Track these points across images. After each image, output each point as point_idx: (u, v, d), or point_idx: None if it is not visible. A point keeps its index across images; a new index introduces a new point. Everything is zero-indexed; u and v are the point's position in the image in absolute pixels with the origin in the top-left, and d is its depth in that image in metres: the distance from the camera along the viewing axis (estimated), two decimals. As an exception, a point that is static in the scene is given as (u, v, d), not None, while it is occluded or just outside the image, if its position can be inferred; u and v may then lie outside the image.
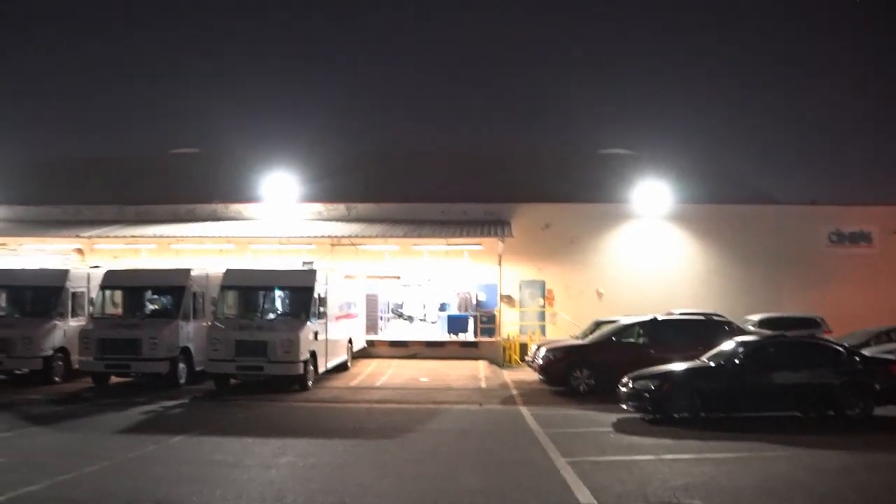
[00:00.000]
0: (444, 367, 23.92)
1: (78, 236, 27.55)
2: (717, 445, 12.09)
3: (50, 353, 19.30)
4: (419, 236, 26.60)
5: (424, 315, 29.48)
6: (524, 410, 15.85)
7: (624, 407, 14.78)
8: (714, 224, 28.32)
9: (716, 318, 20.27)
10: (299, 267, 22.07)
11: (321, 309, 19.65)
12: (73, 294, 20.37)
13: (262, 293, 20.02)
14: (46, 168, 37.57)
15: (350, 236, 26.78)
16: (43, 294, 20.24)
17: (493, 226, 27.07)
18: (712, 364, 14.94)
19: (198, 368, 19.34)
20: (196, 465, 10.54)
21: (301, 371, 18.21)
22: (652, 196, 28.17)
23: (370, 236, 26.76)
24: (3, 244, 28.92)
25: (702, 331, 18.68)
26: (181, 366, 19.09)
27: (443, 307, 28.50)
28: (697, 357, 15.70)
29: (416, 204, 29.03)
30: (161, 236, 27.44)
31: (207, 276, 20.65)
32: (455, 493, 9.06)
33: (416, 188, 30.95)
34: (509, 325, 26.85)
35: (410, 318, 29.41)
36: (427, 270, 28.01)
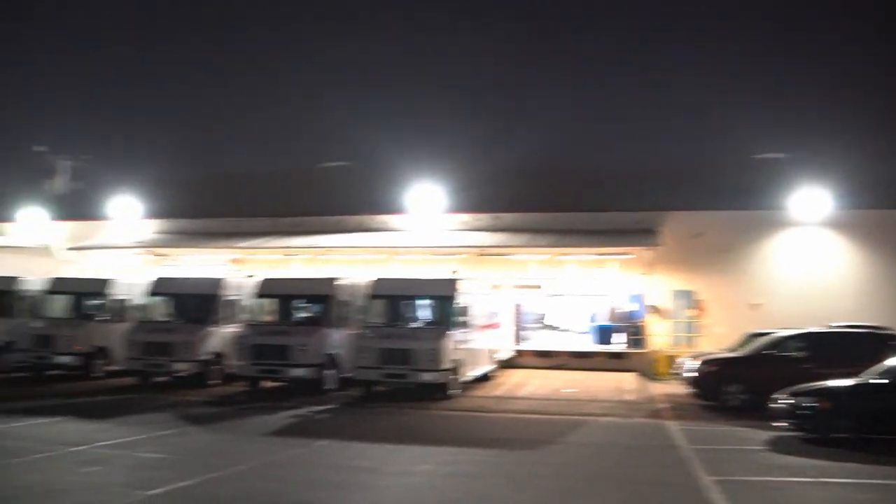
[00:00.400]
0: (590, 378, 23.44)
1: (234, 247, 28.86)
2: (881, 470, 11.17)
3: (207, 357, 20.22)
4: (566, 245, 26.27)
5: (571, 325, 29.06)
6: (671, 425, 15.25)
7: (778, 424, 13.92)
8: (879, 231, 26.40)
9: (881, 331, 18.86)
10: (444, 276, 22.20)
11: (464, 318, 19.66)
12: (228, 301, 21.26)
13: (406, 302, 20.31)
14: (206, 183, 39.52)
15: (496, 246, 26.76)
16: (200, 301, 21.23)
17: (642, 235, 26.34)
18: (878, 381, 13.86)
19: (344, 375, 19.75)
20: (337, 470, 10.70)
21: (444, 380, 18.26)
22: (810, 202, 26.57)
23: (516, 245, 26.66)
24: (165, 255, 30.68)
25: (865, 345, 17.37)
26: (328, 372, 19.53)
27: (591, 317, 28.02)
28: (859, 373, 14.60)
29: (563, 213, 28.62)
30: (312, 247, 28.35)
31: (355, 286, 21.09)
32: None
33: (562, 198, 30.54)
34: (658, 336, 26.04)
35: (556, 328, 29.05)
36: (573, 280, 27.60)
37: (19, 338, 21.47)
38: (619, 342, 26.37)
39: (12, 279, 23.56)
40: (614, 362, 26.01)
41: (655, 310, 26.35)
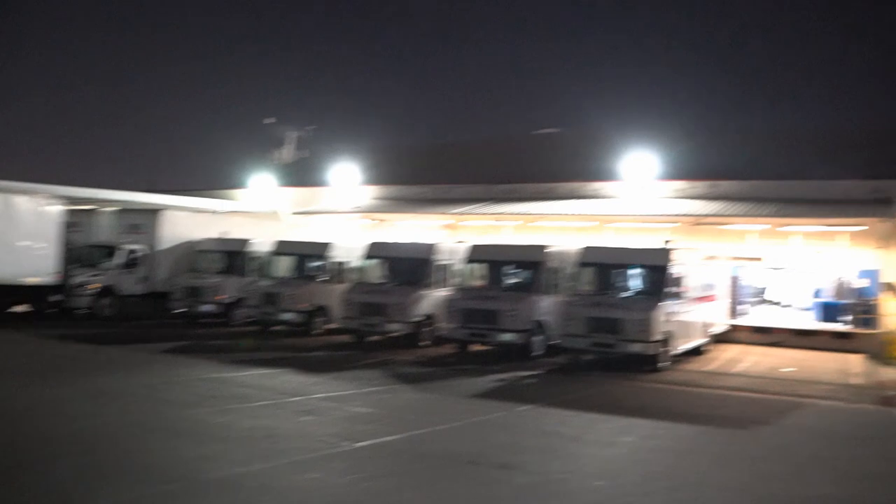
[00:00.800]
0: (811, 357, 21.99)
1: (447, 213, 29.49)
2: None
3: (418, 319, 20.85)
4: (790, 216, 24.65)
5: (792, 301, 27.39)
6: (902, 413, 14.02)
7: None
8: None
9: None
10: (657, 246, 21.53)
11: (677, 289, 19.00)
12: (440, 266, 21.76)
13: (616, 271, 19.87)
14: (421, 150, 40.64)
15: (712, 215, 25.62)
16: (414, 265, 21.89)
17: (876, 205, 24.19)
18: None
19: (552, 342, 19.72)
20: (538, 436, 10.69)
21: (653, 351, 17.76)
22: None
23: (734, 215, 25.35)
24: (381, 220, 31.89)
25: None
26: (536, 338, 19.57)
27: (816, 293, 26.24)
28: None
29: (787, 181, 26.86)
30: (522, 214, 28.42)
31: (565, 253, 20.93)
32: (804, 499, 8.18)
33: (787, 164, 28.69)
34: (893, 316, 23.93)
35: (776, 304, 27.49)
36: (797, 253, 25.90)
37: (249, 295, 23.24)
38: (845, 321, 24.52)
39: (244, 241, 25.47)
40: (839, 342, 24.18)
41: (891, 287, 24.20)
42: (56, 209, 23.63)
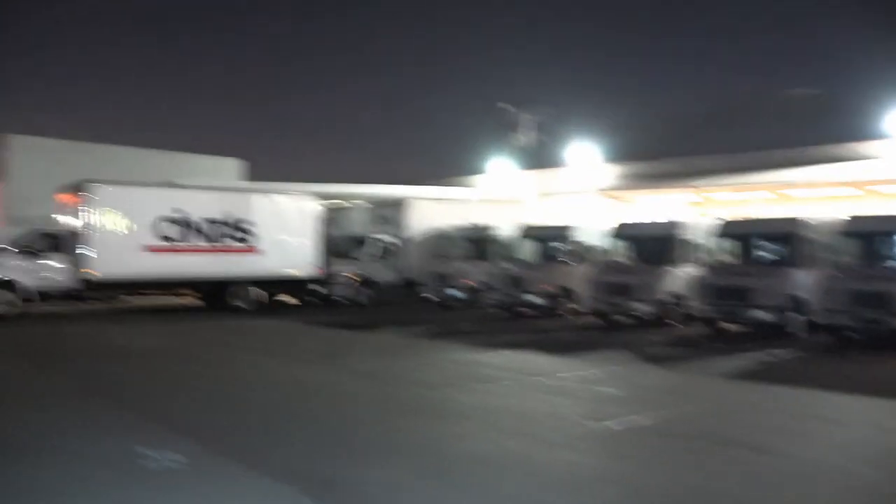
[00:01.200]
0: None
1: (691, 187, 28.54)
2: None
3: (666, 298, 20.35)
4: None
5: None
6: None
7: None
8: None
9: None
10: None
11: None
12: (687, 243, 21.09)
13: (885, 240, 18.29)
14: (663, 124, 39.50)
15: None
16: (659, 243, 21.38)
17: None
18: None
19: (811, 319, 18.51)
20: (795, 418, 10.12)
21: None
22: None
23: None
24: (623, 198, 31.39)
25: None
26: (792, 315, 18.48)
27: None
28: None
29: None
30: (773, 182, 26.90)
31: (823, 224, 19.56)
32: None
33: None
34: None
35: None
36: None
37: (495, 279, 23.81)
38: None
39: (488, 227, 26.11)
40: None
41: None
42: (315, 206, 25.51)
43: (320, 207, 25.80)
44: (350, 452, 8.17)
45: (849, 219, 18.84)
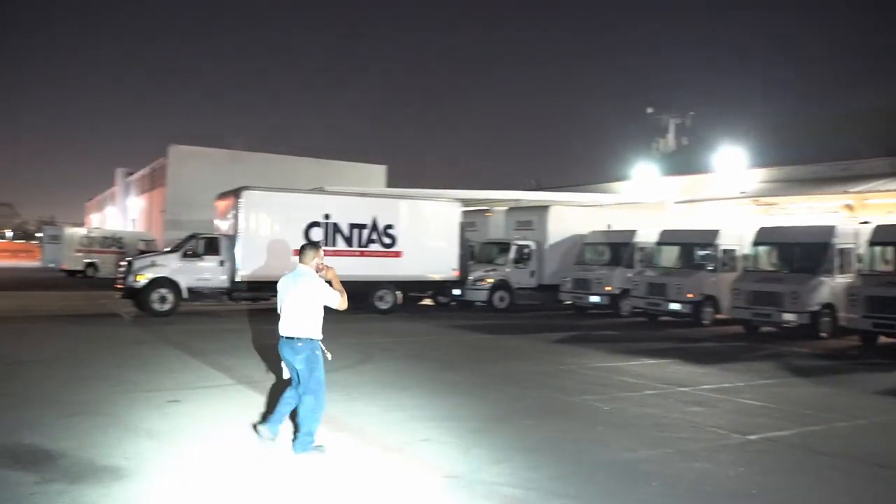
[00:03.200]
0: None
1: (846, 192, 27.18)
2: None
3: (816, 308, 19.49)
4: None
5: None
6: None
7: None
8: None
9: None
10: None
11: None
12: (841, 250, 20.14)
13: None
14: (816, 126, 37.73)
15: None
16: (809, 250, 20.52)
17: None
18: None
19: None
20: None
21: None
22: None
23: None
24: (771, 203, 30.20)
25: None
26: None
27: None
28: None
29: None
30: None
31: None
32: None
33: None
34: None
35: None
36: None
37: (636, 286, 23.48)
38: None
39: (629, 233, 25.76)
40: None
41: None
42: (456, 211, 25.87)
43: (461, 212, 26.13)
44: (479, 453, 8.30)
45: None
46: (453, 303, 27.01)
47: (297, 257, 8.09)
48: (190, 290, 22.36)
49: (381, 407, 10.50)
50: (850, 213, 28.25)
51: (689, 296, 22.17)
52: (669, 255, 24.17)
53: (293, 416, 8.13)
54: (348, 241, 23.99)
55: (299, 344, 7.78)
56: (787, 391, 12.69)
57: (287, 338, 7.83)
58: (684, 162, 40.55)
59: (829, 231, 20.61)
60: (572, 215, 28.70)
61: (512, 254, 26.90)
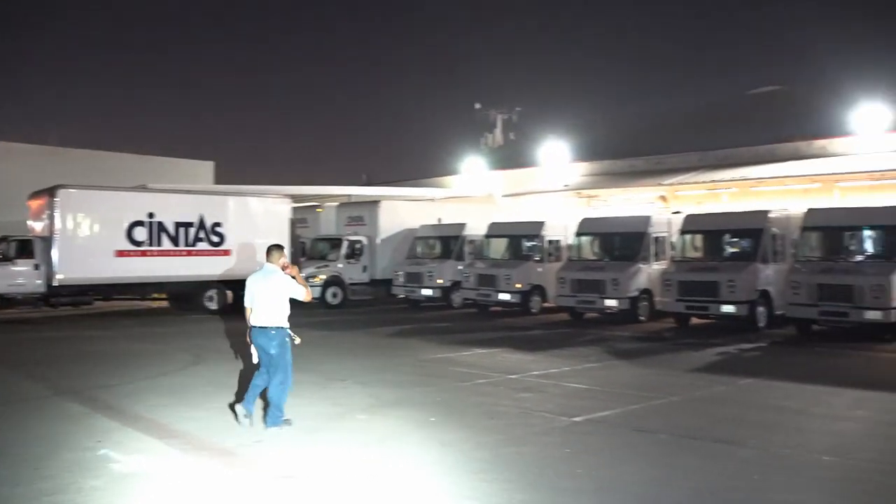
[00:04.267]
0: None
1: (660, 184, 28.84)
2: None
3: (635, 293, 20.57)
4: None
5: None
6: None
7: None
8: None
9: None
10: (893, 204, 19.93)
11: (919, 250, 17.51)
12: (655, 239, 21.33)
13: (847, 234, 18.59)
14: (632, 123, 39.82)
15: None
16: (628, 240, 21.63)
17: None
18: None
19: (777, 312, 18.83)
20: (761, 410, 10.30)
21: (892, 319, 16.49)
22: None
23: None
24: (592, 196, 31.67)
25: None
26: (760, 309, 18.77)
27: None
28: None
29: None
30: (740, 179, 27.25)
31: (788, 218, 19.90)
32: None
33: None
34: None
35: None
36: None
37: (467, 278, 23.93)
38: None
39: (459, 226, 26.21)
40: None
41: None
42: (286, 207, 25.41)
43: (291, 209, 25.70)
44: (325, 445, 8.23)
45: (810, 211, 19.19)
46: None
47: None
48: (1, 296, 20.89)
49: (214, 410, 10.19)
50: (663, 203, 30.00)
51: (518, 286, 22.82)
52: (498, 247, 24.79)
53: (263, 395, 9.13)
54: (174, 240, 23.06)
55: (273, 332, 8.90)
56: (610, 373, 13.32)
57: (261, 327, 8.91)
58: (511, 156, 41.75)
59: (645, 221, 21.81)
60: (403, 210, 28.87)
61: (343, 249, 26.73)
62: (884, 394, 11.30)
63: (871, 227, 18.33)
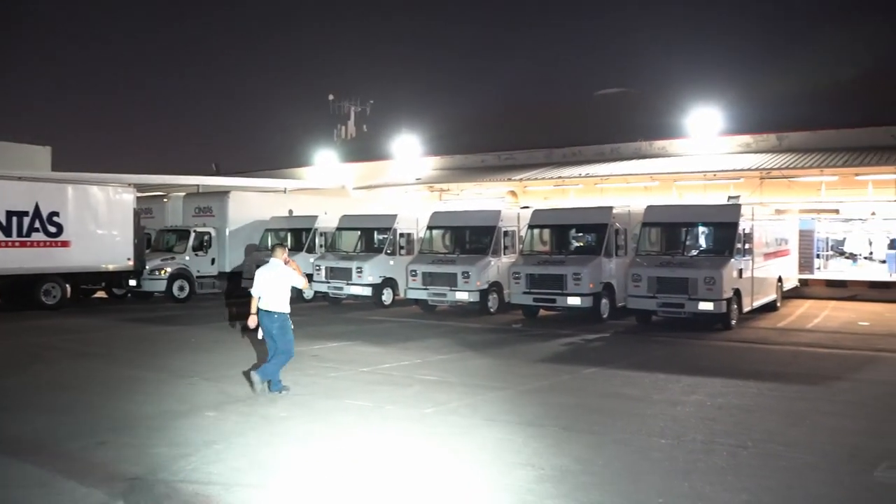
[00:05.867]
0: (889, 310, 21.49)
1: (510, 179, 29.49)
2: None
3: (486, 286, 20.94)
4: (862, 164, 23.95)
5: (870, 253, 26.71)
6: None
7: None
8: None
9: None
10: (724, 202, 21.21)
11: (746, 245, 18.71)
12: (505, 232, 21.78)
13: (683, 229, 19.60)
14: (483, 119, 40.56)
15: (781, 168, 25.04)
16: (479, 233, 22.00)
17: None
18: None
19: (619, 304, 19.67)
20: (604, 397, 10.74)
21: (723, 309, 17.55)
22: None
23: (804, 167, 24.76)
24: (444, 189, 32.06)
25: None
26: (604, 301, 19.54)
27: (892, 244, 25.49)
28: None
29: (858, 129, 26.11)
30: (586, 176, 28.25)
31: (629, 213, 20.78)
32: (875, 451, 8.04)
33: (858, 112, 27.87)
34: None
35: (853, 257, 26.84)
36: (872, 203, 25.18)
37: (318, 271, 23.65)
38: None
39: (311, 218, 25.90)
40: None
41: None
42: (130, 197, 24.32)
43: (136, 198, 24.60)
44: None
45: (649, 208, 20.15)
46: (129, 294, 25.47)
47: (271, 253, 10.94)
48: None
49: (54, 411, 9.66)
50: (513, 198, 30.70)
51: (370, 279, 22.79)
52: (350, 240, 24.65)
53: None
54: (6, 230, 21.55)
55: (275, 315, 10.49)
56: (461, 365, 13.50)
57: (266, 311, 10.51)
58: (364, 149, 41.67)
59: (495, 215, 22.23)
60: (254, 201, 28.22)
61: (191, 241, 25.86)
62: (715, 379, 11.97)
63: (705, 224, 19.46)
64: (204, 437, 8.47)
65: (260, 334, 10.70)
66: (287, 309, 10.65)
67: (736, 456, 7.82)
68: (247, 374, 11.22)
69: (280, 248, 11.04)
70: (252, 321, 10.67)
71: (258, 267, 11.22)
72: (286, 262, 10.81)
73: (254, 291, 10.72)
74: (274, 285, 10.57)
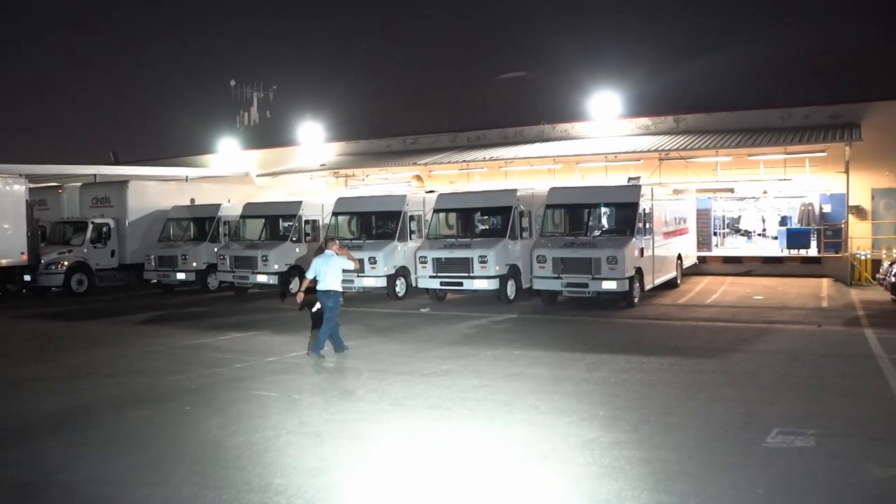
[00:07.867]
0: (781, 284, 22.40)
1: (415, 164, 29.43)
2: None
3: (392, 271, 20.89)
4: (754, 145, 24.76)
5: (763, 230, 27.75)
6: (869, 333, 14.31)
7: None
8: None
9: None
10: (624, 183, 21.65)
11: (647, 225, 19.18)
12: (411, 217, 21.74)
13: (586, 210, 19.97)
14: (386, 104, 40.31)
15: (678, 149, 25.70)
16: (384, 218, 21.91)
17: (838, 130, 24.36)
18: None
19: (525, 286, 19.90)
20: (509, 378, 10.84)
21: (626, 288, 17.97)
22: None
23: (700, 148, 25.46)
24: (349, 175, 31.83)
25: None
26: (510, 283, 19.73)
27: (783, 221, 26.54)
28: None
29: (751, 111, 26.97)
30: (491, 159, 28.40)
31: (533, 196, 21.01)
32: (767, 418, 8.36)
33: (751, 94, 28.82)
34: (859, 239, 24.24)
35: (747, 234, 27.84)
36: (764, 182, 26.12)
37: (223, 260, 23.20)
38: (813, 247, 24.86)
39: (214, 207, 25.32)
40: (808, 268, 24.70)
41: (857, 211, 24.47)
42: (21, 188, 23.24)
43: (28, 189, 23.50)
44: (72, 450, 7.65)
45: (552, 190, 20.44)
46: (25, 290, 24.41)
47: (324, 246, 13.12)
48: None
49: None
50: (418, 183, 30.67)
51: (276, 267, 22.45)
52: (255, 228, 24.22)
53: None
54: None
55: (332, 293, 12.63)
56: (368, 350, 13.45)
57: (324, 290, 12.64)
58: (268, 135, 40.91)
59: (401, 200, 22.16)
60: (154, 190, 27.37)
61: (89, 233, 24.96)
62: (619, 356, 12.25)
63: (606, 205, 19.86)
64: (102, 437, 8.22)
65: (315, 307, 13.10)
66: (340, 288, 12.91)
67: (637, 430, 8.00)
68: (308, 354, 12.71)
69: (332, 242, 13.20)
70: (300, 297, 13.04)
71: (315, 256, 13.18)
72: (338, 253, 12.90)
73: (308, 274, 12.92)
74: (330, 270, 12.67)
